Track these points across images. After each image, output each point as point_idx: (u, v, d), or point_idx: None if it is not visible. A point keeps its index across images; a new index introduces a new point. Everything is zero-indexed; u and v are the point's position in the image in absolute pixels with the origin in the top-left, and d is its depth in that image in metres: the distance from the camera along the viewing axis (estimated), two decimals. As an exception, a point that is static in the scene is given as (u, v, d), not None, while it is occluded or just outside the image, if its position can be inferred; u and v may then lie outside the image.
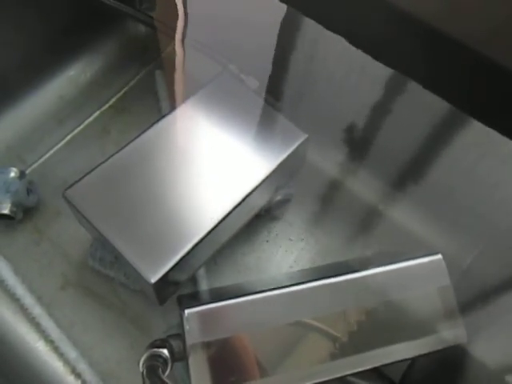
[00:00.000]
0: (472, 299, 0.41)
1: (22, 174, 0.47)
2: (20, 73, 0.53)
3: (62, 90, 0.55)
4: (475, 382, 0.38)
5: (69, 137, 0.53)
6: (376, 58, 0.48)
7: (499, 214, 0.46)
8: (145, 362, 0.32)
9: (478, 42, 0.46)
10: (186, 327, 0.33)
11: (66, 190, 0.38)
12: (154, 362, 0.32)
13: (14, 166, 0.47)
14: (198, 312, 0.34)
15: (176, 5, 0.55)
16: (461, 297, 0.38)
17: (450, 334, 0.37)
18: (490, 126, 0.43)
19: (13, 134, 0.52)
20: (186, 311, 0.33)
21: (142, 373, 0.31)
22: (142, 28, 0.59)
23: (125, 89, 0.57)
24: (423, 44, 0.48)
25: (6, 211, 0.45)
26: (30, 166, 0.51)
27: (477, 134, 0.47)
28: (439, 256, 0.38)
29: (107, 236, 0.37)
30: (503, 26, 0.44)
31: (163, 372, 0.32)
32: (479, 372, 0.38)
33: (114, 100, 0.56)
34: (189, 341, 0.33)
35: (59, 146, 0.52)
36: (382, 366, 0.36)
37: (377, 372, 0.39)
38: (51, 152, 0.52)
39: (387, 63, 0.48)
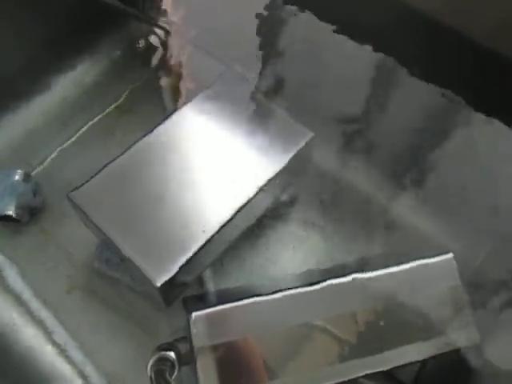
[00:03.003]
0: (484, 299, 0.40)
1: (27, 177, 0.47)
2: (24, 75, 0.53)
3: (66, 91, 0.55)
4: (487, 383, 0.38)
5: (73, 138, 0.53)
6: (380, 51, 0.48)
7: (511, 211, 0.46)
8: (152, 365, 0.32)
9: (485, 36, 0.45)
10: (193, 330, 0.33)
11: (70, 192, 0.38)
12: (161, 366, 0.31)
13: (19, 168, 0.47)
14: (204, 315, 0.33)
15: (179, 5, 0.55)
16: (473, 297, 0.38)
17: (462, 334, 0.37)
18: (501, 120, 0.43)
19: (17, 136, 0.52)
20: (193, 314, 0.33)
21: (150, 377, 0.31)
22: (145, 28, 0.59)
23: (129, 89, 0.56)
24: (427, 38, 0.48)
25: (11, 213, 0.44)
26: (35, 168, 0.50)
27: (486, 130, 0.46)
28: (450, 255, 0.38)
29: (113, 238, 0.36)
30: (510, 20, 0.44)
31: (170, 375, 0.32)
32: (491, 373, 0.38)
33: (118, 101, 0.56)
34: (196, 344, 0.33)
35: (64, 147, 0.52)
36: (393, 368, 0.35)
37: (388, 374, 0.38)
38: (56, 154, 0.52)
39: (392, 57, 0.48)
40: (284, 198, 0.46)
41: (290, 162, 0.40)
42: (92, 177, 0.38)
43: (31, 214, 0.47)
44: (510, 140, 0.45)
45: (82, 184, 0.38)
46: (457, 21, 0.46)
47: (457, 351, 0.37)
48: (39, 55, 0.53)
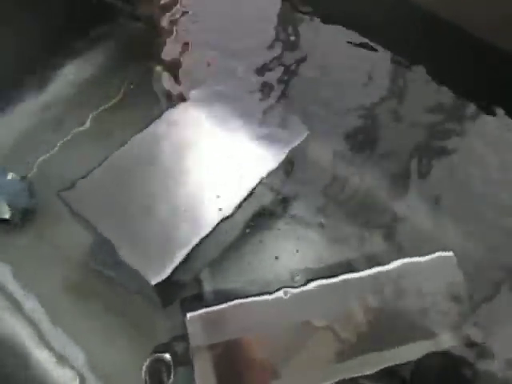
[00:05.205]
0: (485, 296, 0.40)
1: (21, 177, 0.46)
2: (17, 74, 0.52)
3: (60, 90, 0.55)
4: (488, 381, 0.37)
5: (68, 138, 0.52)
6: (381, 46, 0.47)
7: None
8: (147, 367, 0.31)
9: (485, 31, 0.45)
10: (190, 331, 0.32)
11: (61, 191, 0.37)
12: (156, 368, 0.31)
13: (14, 169, 0.46)
14: (200, 315, 0.33)
15: (175, 2, 0.55)
16: (473, 294, 0.38)
17: (463, 332, 0.36)
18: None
19: (12, 136, 0.52)
20: (189, 315, 0.33)
21: (145, 379, 0.31)
22: (140, 26, 0.59)
23: (125, 87, 0.56)
24: (428, 33, 0.47)
25: (5, 215, 0.44)
26: (30, 168, 0.50)
27: (488, 128, 0.46)
28: (450, 253, 0.37)
29: (108, 238, 0.36)
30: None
31: (167, 378, 0.31)
32: (492, 370, 0.37)
33: (113, 100, 0.55)
34: (192, 344, 0.32)
35: (59, 147, 0.52)
36: (394, 365, 0.35)
37: (387, 371, 0.38)
38: (51, 153, 0.51)
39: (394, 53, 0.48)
40: (282, 195, 0.46)
41: (287, 158, 0.40)
42: (84, 176, 0.38)
43: (25, 214, 0.46)
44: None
45: (74, 183, 0.37)
46: (457, 16, 0.45)
47: (456, 348, 0.36)
48: (33, 55, 0.53)
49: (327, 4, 0.53)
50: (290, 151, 0.40)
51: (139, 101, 0.55)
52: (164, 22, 0.54)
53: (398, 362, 0.35)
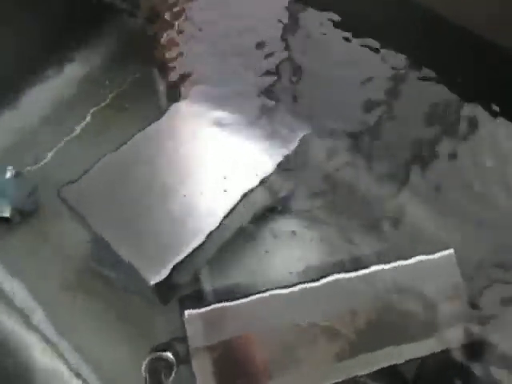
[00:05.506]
0: (485, 295, 0.40)
1: (20, 176, 0.46)
2: (16, 73, 0.53)
3: (60, 89, 0.55)
4: (489, 379, 0.37)
5: (68, 137, 0.52)
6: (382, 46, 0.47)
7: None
8: (147, 365, 0.31)
9: (486, 28, 0.45)
10: (188, 329, 0.32)
11: (61, 189, 0.37)
12: (156, 367, 0.31)
13: (14, 167, 0.46)
14: (199, 314, 0.33)
15: (175, 2, 0.55)
16: (473, 293, 0.38)
17: (463, 331, 0.36)
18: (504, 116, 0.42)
19: (11, 136, 0.52)
20: (187, 313, 0.33)
21: (145, 378, 0.31)
22: (139, 24, 0.59)
23: (123, 87, 0.56)
24: (428, 31, 0.47)
25: (5, 214, 0.44)
26: (29, 167, 0.50)
27: (489, 127, 0.46)
28: (451, 251, 0.37)
29: (106, 237, 0.36)
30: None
31: (168, 376, 0.31)
32: (493, 368, 0.37)
33: (112, 98, 0.55)
34: (191, 343, 0.32)
35: (58, 146, 0.52)
36: (395, 364, 0.35)
37: (389, 371, 0.38)
38: (50, 153, 0.51)
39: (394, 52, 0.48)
40: (282, 194, 0.46)
41: (287, 158, 0.40)
42: (83, 174, 0.38)
43: (25, 214, 0.46)
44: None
45: (73, 181, 0.38)
46: (457, 15, 0.45)
47: (457, 348, 0.36)
48: (32, 54, 0.53)
49: (328, 4, 0.53)
50: (289, 151, 0.40)
51: (139, 99, 0.55)
52: (164, 21, 0.54)
53: (398, 362, 0.35)
